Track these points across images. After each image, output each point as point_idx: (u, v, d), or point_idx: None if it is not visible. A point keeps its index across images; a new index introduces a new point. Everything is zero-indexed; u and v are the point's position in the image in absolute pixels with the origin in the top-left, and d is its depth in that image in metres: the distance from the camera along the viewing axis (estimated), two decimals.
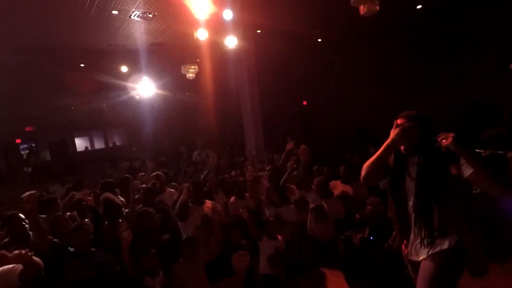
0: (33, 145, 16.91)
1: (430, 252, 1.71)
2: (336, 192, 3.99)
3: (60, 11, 5.34)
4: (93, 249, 2.75)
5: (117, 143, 19.28)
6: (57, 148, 16.03)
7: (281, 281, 3.13)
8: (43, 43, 7.00)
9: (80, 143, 18.68)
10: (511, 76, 6.29)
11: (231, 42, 5.73)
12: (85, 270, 2.56)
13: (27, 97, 11.31)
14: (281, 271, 3.11)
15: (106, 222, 3.18)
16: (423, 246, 1.73)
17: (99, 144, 19.52)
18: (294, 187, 4.09)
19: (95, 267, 2.60)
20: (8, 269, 1.87)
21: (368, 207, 3.09)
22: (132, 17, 5.79)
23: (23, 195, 2.39)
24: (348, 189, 4.02)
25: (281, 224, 3.35)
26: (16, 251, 1.85)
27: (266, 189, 3.88)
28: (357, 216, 3.30)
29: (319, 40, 9.29)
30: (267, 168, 5.04)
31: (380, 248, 2.83)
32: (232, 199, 3.98)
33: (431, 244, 1.70)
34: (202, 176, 4.77)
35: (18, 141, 16.12)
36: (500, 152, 4.43)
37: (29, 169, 14.06)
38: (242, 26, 5.97)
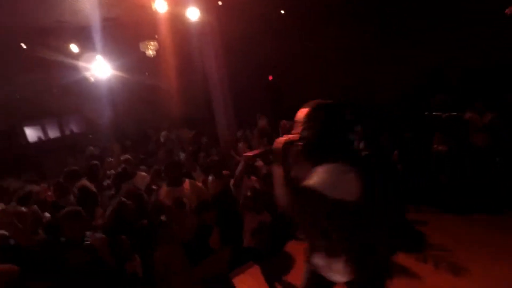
0: None
1: None
2: None
3: None
4: (88, 233, 2.73)
5: (75, 130, 18.02)
6: (5, 139, 14.60)
7: (265, 255, 3.18)
8: None
9: (32, 133, 17.19)
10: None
11: (193, 14, 5.41)
12: (83, 255, 2.53)
13: None
14: (265, 245, 3.16)
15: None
16: None
17: (53, 133, 18.11)
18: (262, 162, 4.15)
19: (89, 250, 2.58)
20: None
21: None
22: None
23: None
24: None
25: (257, 197, 3.39)
26: None
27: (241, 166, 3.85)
28: None
29: (282, 12, 9.13)
30: (239, 145, 5.02)
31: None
32: (211, 178, 3.92)
33: None
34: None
35: None
36: (455, 113, 4.79)
37: None
38: None
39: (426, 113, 4.94)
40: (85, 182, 3.57)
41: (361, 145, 4.63)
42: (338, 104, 1.51)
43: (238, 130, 7.04)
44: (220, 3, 6.68)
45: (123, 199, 3.20)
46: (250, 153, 1.86)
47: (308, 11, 8.85)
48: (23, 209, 3.13)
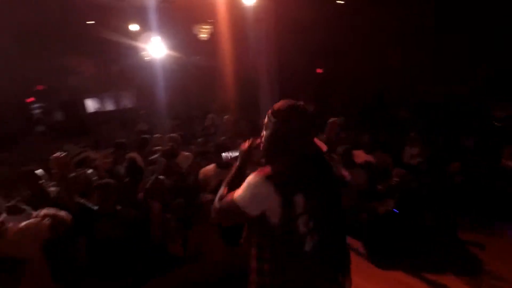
0: (45, 104, 16.94)
1: None
2: (358, 161, 3.83)
3: None
4: (118, 208, 2.73)
5: (128, 105, 19.23)
6: (69, 109, 16.02)
7: None
8: None
9: (91, 104, 18.67)
10: None
11: None
12: (113, 229, 2.57)
13: (39, 56, 11.09)
14: None
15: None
16: None
17: (109, 106, 19.49)
18: None
19: (121, 226, 2.61)
20: (38, 222, 2.02)
21: (395, 178, 2.95)
22: None
23: (52, 157, 2.33)
24: (371, 159, 3.86)
25: None
26: (45, 211, 1.98)
27: None
28: (380, 187, 3.17)
29: (341, 1, 8.69)
30: None
31: (404, 222, 2.74)
32: None
33: None
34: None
35: (30, 100, 16.15)
36: None
37: (42, 129, 14.20)
38: None
39: (496, 122, 4.40)
40: (134, 154, 3.70)
41: (414, 151, 4.26)
42: (298, 106, 1.35)
43: None
44: None
45: (160, 176, 3.26)
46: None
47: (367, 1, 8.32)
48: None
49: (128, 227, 2.63)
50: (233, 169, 1.49)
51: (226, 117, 6.33)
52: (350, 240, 3.28)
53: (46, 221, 1.98)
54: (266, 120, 1.39)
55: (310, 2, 7.48)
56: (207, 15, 7.55)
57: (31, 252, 1.93)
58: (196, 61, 11.47)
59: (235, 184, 1.37)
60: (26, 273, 1.87)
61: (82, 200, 2.60)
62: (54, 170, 2.34)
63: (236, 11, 6.34)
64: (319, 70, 12.01)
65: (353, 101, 9.18)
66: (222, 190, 1.41)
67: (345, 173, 1.46)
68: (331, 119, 3.18)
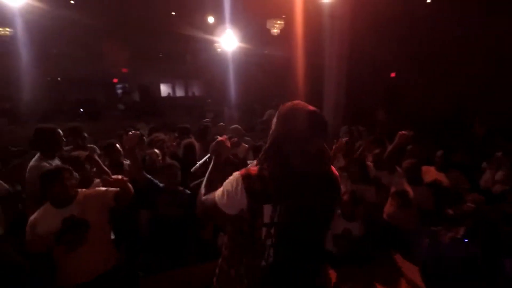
0: (127, 85, 18.88)
1: None
2: (428, 179, 3.45)
3: None
4: (180, 188, 2.91)
5: (196, 93, 20.37)
6: (145, 91, 17.63)
7: (342, 262, 2.91)
8: None
9: (164, 89, 20.21)
10: None
11: None
12: (174, 207, 2.74)
13: (127, 41, 12.29)
14: (345, 253, 2.88)
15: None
16: None
17: (180, 92, 20.88)
18: (371, 164, 3.69)
19: (182, 205, 2.77)
20: (104, 190, 2.19)
21: (470, 204, 2.59)
22: None
23: (128, 135, 2.57)
24: (442, 178, 3.45)
25: (356, 203, 3.06)
26: (116, 176, 2.10)
27: (346, 162, 3.56)
28: (450, 211, 2.82)
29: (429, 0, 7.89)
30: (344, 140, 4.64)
31: (473, 254, 2.39)
32: None
33: None
34: None
35: (115, 80, 18.17)
36: None
37: (122, 107, 15.85)
38: None
39: None
40: (191, 140, 3.87)
41: (498, 177, 3.66)
42: (303, 110, 1.20)
43: (343, 123, 6.62)
44: None
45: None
46: None
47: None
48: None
49: (186, 207, 2.78)
50: (211, 166, 1.48)
51: (268, 111, 6.31)
52: (405, 264, 3.02)
53: (113, 189, 2.15)
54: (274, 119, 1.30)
55: (387, 5, 6.95)
56: (281, 10, 7.53)
57: (96, 216, 2.12)
58: (266, 56, 11.58)
59: (211, 181, 1.40)
60: (89, 236, 2.06)
61: (149, 176, 2.81)
62: (127, 146, 2.57)
63: (311, 7, 6.20)
64: (392, 74, 11.17)
65: (427, 111, 8.34)
66: (203, 187, 1.40)
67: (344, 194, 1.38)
68: (402, 132, 2.87)
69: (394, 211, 3.20)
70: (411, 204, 3.11)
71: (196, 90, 20.66)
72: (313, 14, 6.54)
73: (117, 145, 3.44)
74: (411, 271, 2.85)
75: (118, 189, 2.12)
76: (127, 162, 3.37)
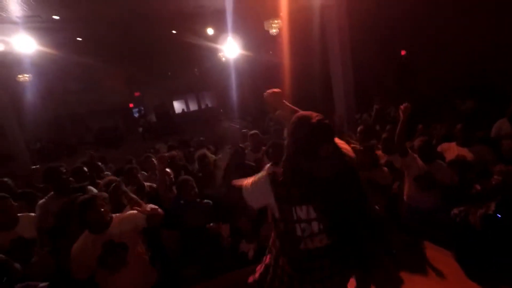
0: (142, 108, 19.51)
1: None
2: (450, 156, 3.30)
3: None
4: (198, 200, 3.04)
5: (209, 105, 20.67)
6: (160, 111, 18.14)
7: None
8: (137, 11, 7.55)
9: (178, 106, 20.67)
10: None
11: None
12: (201, 217, 2.87)
13: (135, 66, 12.76)
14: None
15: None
16: None
17: (193, 106, 21.27)
18: (380, 152, 3.63)
19: (207, 215, 2.91)
20: (136, 213, 2.32)
21: (496, 176, 2.46)
22: None
23: (157, 157, 2.72)
24: (466, 153, 3.28)
25: (375, 187, 3.02)
26: (151, 206, 2.31)
27: (358, 151, 3.50)
28: (477, 187, 2.69)
29: None
30: (358, 129, 4.59)
31: (509, 229, 2.27)
32: None
33: None
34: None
35: (131, 105, 18.82)
36: None
37: (140, 129, 16.38)
38: None
39: None
40: (204, 151, 3.94)
41: None
42: (306, 120, 1.31)
43: (357, 112, 6.50)
44: None
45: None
46: None
47: None
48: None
49: (207, 216, 2.90)
50: None
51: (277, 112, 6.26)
52: (436, 249, 2.90)
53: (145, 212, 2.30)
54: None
55: None
56: (277, 10, 7.51)
57: (132, 238, 2.25)
58: (268, 58, 11.59)
59: None
60: (129, 257, 2.20)
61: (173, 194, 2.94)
62: (158, 168, 2.74)
63: (306, 2, 6.16)
64: (402, 52, 10.80)
65: (442, 84, 7.99)
66: None
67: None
68: (401, 106, 2.78)
69: (414, 192, 3.11)
70: (436, 185, 3.01)
71: (208, 102, 20.97)
72: (307, 10, 6.49)
73: (137, 168, 3.59)
74: (442, 255, 2.75)
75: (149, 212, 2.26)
76: (147, 184, 3.52)
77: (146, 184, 3.51)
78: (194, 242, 2.89)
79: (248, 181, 1.43)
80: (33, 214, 2.76)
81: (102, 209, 2.20)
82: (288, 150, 1.38)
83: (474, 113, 5.54)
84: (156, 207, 2.27)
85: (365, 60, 8.32)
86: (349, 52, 5.76)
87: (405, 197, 3.22)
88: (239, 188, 1.43)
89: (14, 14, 6.35)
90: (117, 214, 2.37)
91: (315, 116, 1.32)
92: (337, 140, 1.43)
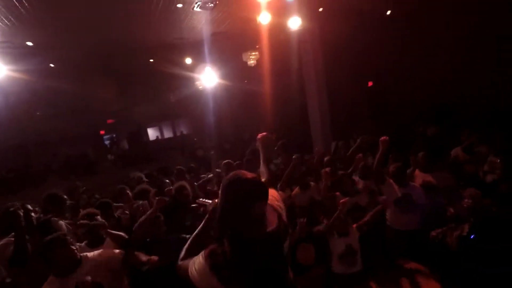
0: (114, 135, 18.93)
1: None
2: (417, 182, 3.53)
3: (130, 9, 5.68)
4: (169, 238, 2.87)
5: (184, 132, 20.49)
6: (134, 138, 17.69)
7: (358, 279, 2.90)
8: (117, 41, 7.61)
9: (152, 133, 20.29)
10: None
11: (295, 23, 5.46)
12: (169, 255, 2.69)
13: (108, 93, 12.59)
14: (356, 269, 2.88)
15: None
16: None
17: (168, 133, 20.97)
18: (357, 178, 3.81)
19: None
20: (112, 254, 2.23)
21: (467, 200, 2.65)
22: (195, 8, 5.86)
23: (157, 200, 2.77)
24: (429, 179, 3.52)
25: (359, 211, 3.15)
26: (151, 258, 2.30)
27: (340, 178, 3.63)
28: (451, 210, 2.86)
29: (388, 13, 8.39)
30: (325, 159, 4.61)
31: (484, 250, 2.42)
32: (296, 190, 3.82)
33: None
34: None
35: (102, 132, 18.21)
36: None
37: (112, 157, 15.79)
38: (305, 6, 5.63)
39: None
40: (183, 182, 3.85)
41: (486, 168, 3.76)
42: (235, 181, 1.32)
43: (333, 140, 6.78)
44: (321, 9, 6.59)
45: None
46: None
47: (414, 11, 7.89)
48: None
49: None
50: (198, 228, 1.49)
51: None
52: (418, 268, 3.03)
53: (119, 254, 2.18)
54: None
55: (354, 16, 7.38)
56: (254, 42, 7.88)
57: (109, 279, 2.12)
58: (246, 87, 11.91)
59: (195, 246, 1.41)
60: None
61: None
62: (156, 206, 2.76)
63: (282, 35, 6.52)
64: (370, 83, 11.58)
65: (408, 115, 8.60)
66: (186, 247, 1.44)
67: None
68: (382, 138, 3.02)
69: (395, 215, 3.28)
70: (414, 207, 3.18)
71: (184, 129, 20.81)
72: (284, 43, 6.88)
73: (110, 202, 3.45)
74: (420, 272, 2.89)
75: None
76: (123, 215, 3.40)
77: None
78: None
79: (192, 265, 1.31)
80: None
81: (71, 249, 2.01)
82: (219, 211, 1.33)
83: (437, 138, 5.99)
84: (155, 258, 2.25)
85: (339, 90, 8.83)
86: (324, 83, 6.11)
87: (387, 221, 3.36)
88: (187, 271, 1.32)
89: None
90: (88, 254, 2.19)
91: (249, 174, 1.31)
92: (271, 192, 1.40)
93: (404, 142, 5.40)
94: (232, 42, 8.42)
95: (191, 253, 1.37)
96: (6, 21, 5.50)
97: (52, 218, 2.74)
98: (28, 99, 10.55)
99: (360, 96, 10.64)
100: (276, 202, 1.47)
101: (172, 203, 3.42)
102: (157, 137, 20.24)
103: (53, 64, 8.77)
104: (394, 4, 7.28)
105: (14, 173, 11.66)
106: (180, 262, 1.40)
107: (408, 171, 3.69)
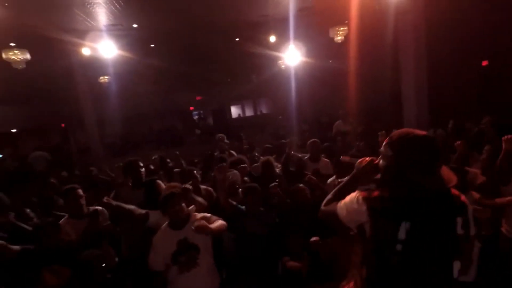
0: (201, 112, 20.44)
1: None
2: None
3: None
4: (262, 209, 2.95)
5: (264, 111, 20.85)
6: (218, 115, 18.76)
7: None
8: (204, 21, 7.93)
9: (235, 111, 21.22)
10: None
11: None
12: (260, 226, 2.82)
13: (198, 72, 13.46)
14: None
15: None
16: None
17: (249, 112, 21.65)
18: (478, 172, 3.18)
19: (267, 225, 2.86)
20: (208, 219, 2.39)
21: None
22: None
23: (218, 168, 2.77)
24: None
25: None
26: (219, 224, 2.39)
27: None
28: None
29: None
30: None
31: None
32: None
33: None
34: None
35: (191, 108, 19.84)
36: None
37: (199, 132, 17.08)
38: None
39: None
40: (269, 158, 3.89)
41: None
42: (415, 138, 1.33)
43: (430, 127, 5.88)
44: None
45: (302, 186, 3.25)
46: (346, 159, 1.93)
47: None
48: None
49: (270, 226, 2.85)
50: (346, 180, 1.59)
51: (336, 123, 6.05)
52: None
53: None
54: (382, 149, 1.42)
55: None
56: (343, 17, 7.25)
57: (204, 242, 2.36)
58: (330, 65, 11.26)
59: (342, 194, 1.49)
60: (199, 259, 2.28)
61: (234, 203, 2.92)
62: (218, 178, 2.74)
63: (376, 8, 5.81)
64: (484, 63, 9.61)
65: None
66: (331, 195, 1.57)
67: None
68: (507, 137, 2.66)
69: None
70: None
71: (263, 108, 21.16)
72: (379, 14, 6.11)
73: (195, 171, 3.65)
74: None
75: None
76: (203, 187, 3.56)
77: (202, 187, 3.55)
78: (250, 251, 2.81)
79: (341, 202, 1.45)
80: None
81: (178, 207, 2.27)
82: (395, 167, 1.35)
83: None
84: (223, 223, 2.36)
85: (443, 69, 7.52)
86: (425, 64, 5.25)
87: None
88: (334, 211, 1.46)
89: (101, 23, 7.10)
90: (197, 214, 2.42)
91: (419, 131, 1.35)
92: None
93: None
94: (319, 17, 7.92)
95: (336, 199, 1.51)
96: (117, 4, 6.21)
97: (157, 180, 3.19)
98: (131, 78, 12.01)
99: (470, 77, 8.93)
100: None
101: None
102: (239, 115, 21.05)
103: (153, 45, 9.69)
104: None
105: (119, 141, 13.73)
106: (323, 208, 1.55)
107: None
